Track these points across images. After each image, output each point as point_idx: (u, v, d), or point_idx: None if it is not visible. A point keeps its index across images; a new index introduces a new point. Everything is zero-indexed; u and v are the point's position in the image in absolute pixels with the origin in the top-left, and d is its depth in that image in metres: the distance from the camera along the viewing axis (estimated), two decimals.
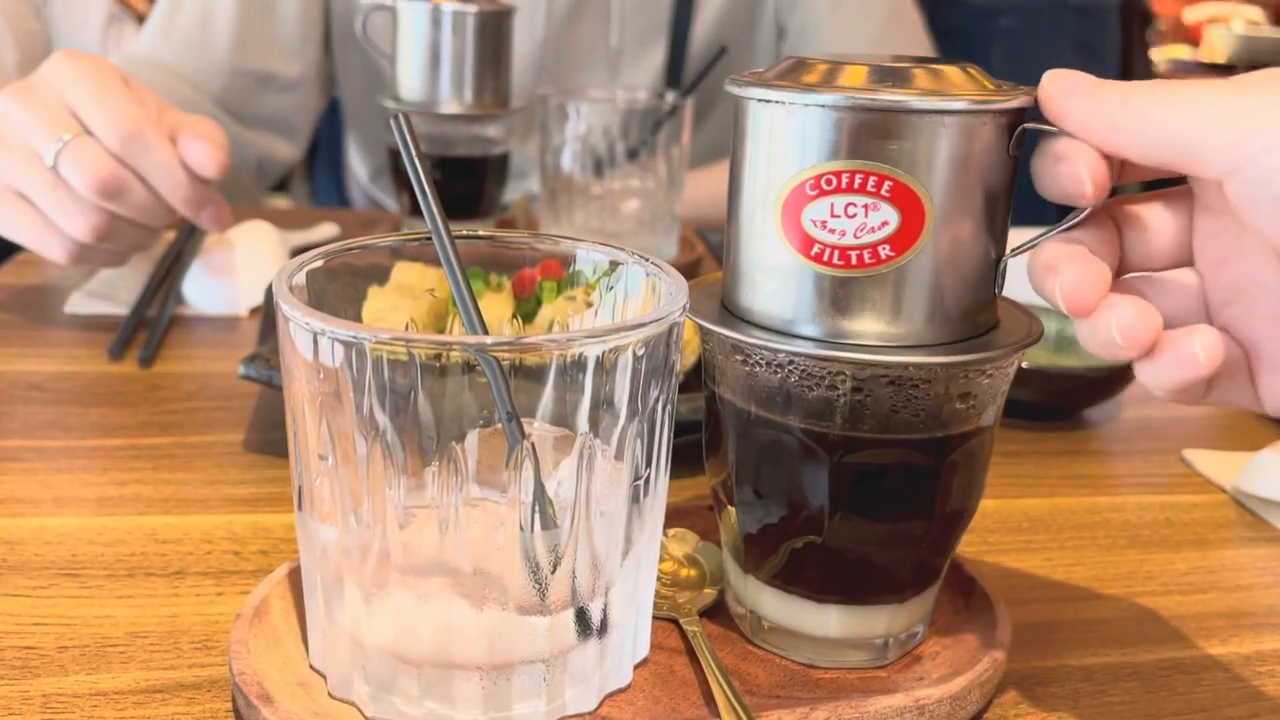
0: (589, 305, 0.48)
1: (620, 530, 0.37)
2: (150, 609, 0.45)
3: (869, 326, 0.37)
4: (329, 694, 0.38)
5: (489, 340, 0.34)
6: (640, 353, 0.35)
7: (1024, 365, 0.67)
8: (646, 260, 0.41)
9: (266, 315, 0.68)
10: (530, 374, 0.34)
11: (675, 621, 0.43)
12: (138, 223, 0.72)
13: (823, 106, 0.36)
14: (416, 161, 0.39)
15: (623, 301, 0.42)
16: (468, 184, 0.97)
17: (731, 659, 0.41)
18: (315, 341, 0.34)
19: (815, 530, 0.39)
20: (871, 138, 0.35)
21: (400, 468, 0.34)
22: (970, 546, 0.54)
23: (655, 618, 0.42)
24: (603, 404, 0.35)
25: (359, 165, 1.40)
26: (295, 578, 0.43)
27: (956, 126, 0.35)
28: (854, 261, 0.36)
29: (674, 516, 0.49)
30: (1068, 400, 0.70)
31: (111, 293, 0.81)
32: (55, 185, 0.68)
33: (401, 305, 0.54)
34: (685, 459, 0.46)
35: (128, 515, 0.52)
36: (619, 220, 0.92)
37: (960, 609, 0.45)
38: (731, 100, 0.40)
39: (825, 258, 0.36)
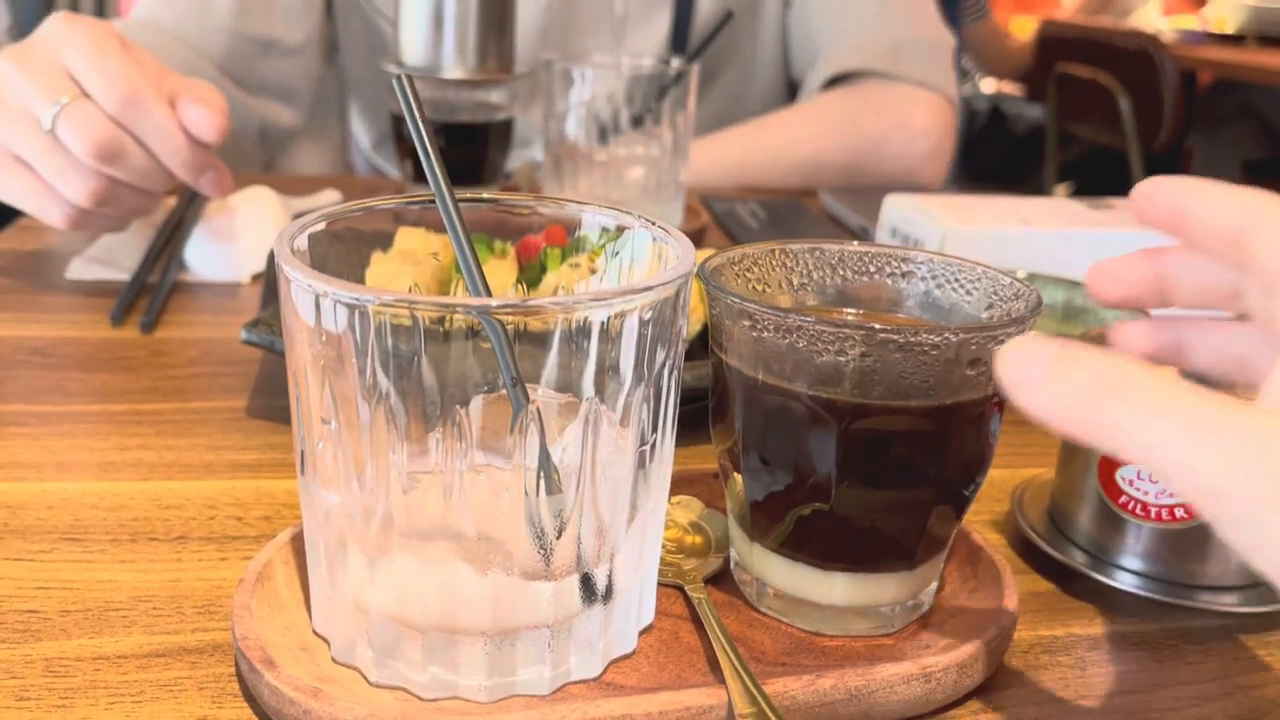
0: (593, 272, 0.47)
1: (626, 496, 0.37)
2: (153, 574, 0.44)
3: None
4: (332, 659, 0.38)
5: (493, 303, 0.33)
6: (647, 317, 0.34)
7: None
8: (653, 224, 0.40)
9: (268, 281, 0.67)
10: (535, 339, 0.34)
11: (680, 589, 0.43)
12: (137, 187, 0.71)
13: None
14: (420, 123, 0.38)
15: (628, 267, 0.41)
16: (470, 151, 0.96)
17: (737, 626, 0.41)
18: (318, 304, 0.33)
19: (823, 498, 0.39)
20: None
21: (404, 432, 0.33)
22: (978, 515, 0.53)
23: (660, 584, 0.42)
24: (609, 369, 0.34)
25: (361, 133, 1.39)
26: (298, 543, 0.42)
27: None
28: None
29: (678, 484, 0.48)
30: None
31: (113, 258, 0.81)
32: (53, 149, 0.67)
33: (405, 271, 0.53)
34: (689, 426, 0.46)
35: (130, 480, 0.52)
36: (624, 188, 0.91)
37: (968, 577, 0.44)
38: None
39: None
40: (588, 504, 0.35)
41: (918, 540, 0.40)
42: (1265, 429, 0.25)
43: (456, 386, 0.34)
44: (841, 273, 0.45)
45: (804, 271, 0.45)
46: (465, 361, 0.34)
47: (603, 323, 0.33)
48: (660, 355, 0.36)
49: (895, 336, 0.36)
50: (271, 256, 0.71)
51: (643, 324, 0.34)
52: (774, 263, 0.45)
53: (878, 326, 0.36)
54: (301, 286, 0.33)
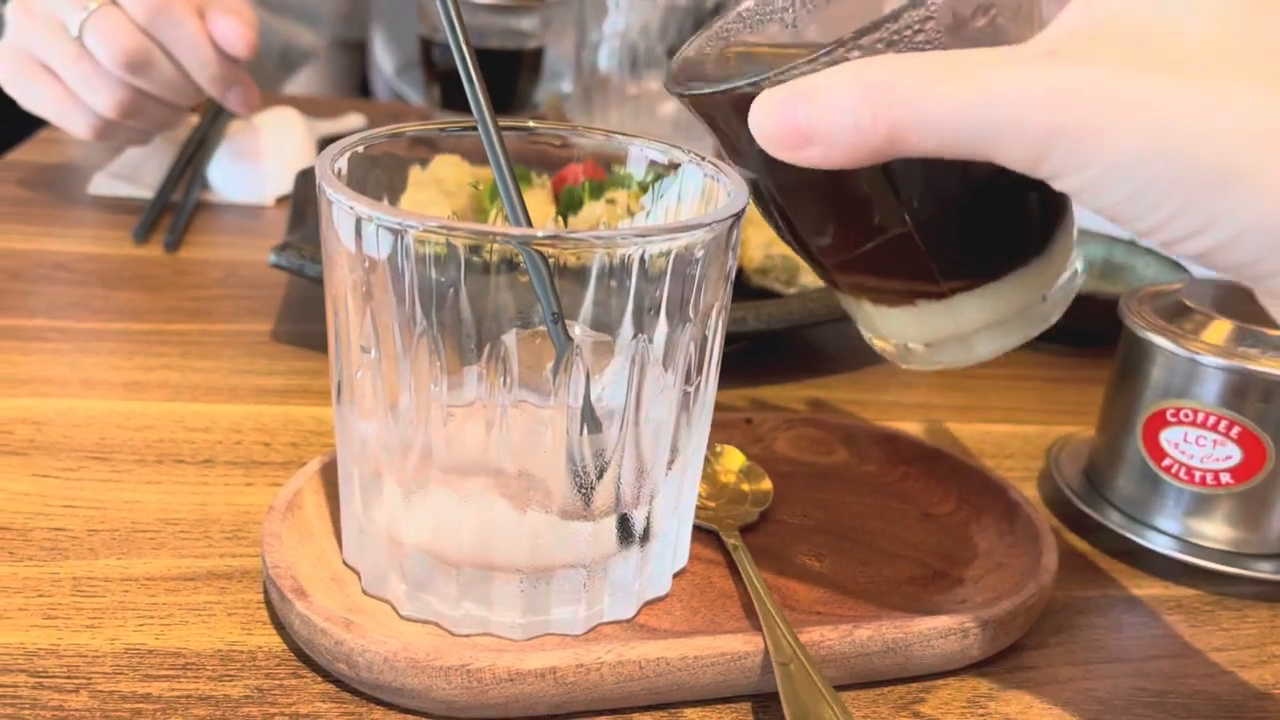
0: (632, 212, 0.46)
1: (667, 439, 0.36)
2: (180, 496, 0.44)
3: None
4: (363, 591, 0.38)
5: (538, 233, 0.32)
6: (698, 255, 0.33)
7: None
8: (704, 160, 0.39)
9: (295, 204, 0.66)
10: (576, 274, 0.33)
11: (715, 534, 0.42)
12: (163, 100, 0.70)
13: None
14: (464, 45, 0.37)
15: (676, 204, 0.40)
16: (500, 79, 0.94)
17: (770, 574, 0.41)
18: (358, 227, 0.32)
19: (898, 224, 0.35)
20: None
21: (445, 363, 0.33)
22: (1012, 472, 0.53)
23: (694, 527, 0.41)
24: (655, 309, 0.33)
25: (384, 58, 1.36)
26: (328, 472, 0.42)
27: None
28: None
29: (713, 430, 0.48)
30: (1112, 327, 0.68)
31: (135, 175, 0.79)
32: (80, 57, 0.66)
33: (440, 200, 0.52)
34: (725, 372, 0.45)
35: (155, 401, 0.51)
36: (655, 122, 0.89)
37: (1005, 533, 0.44)
38: None
39: None
40: (630, 445, 0.35)
41: (1029, 219, 0.35)
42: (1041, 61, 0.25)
43: (497, 319, 0.33)
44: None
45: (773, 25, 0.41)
46: (508, 293, 0.33)
47: (650, 259, 0.32)
48: (708, 296, 0.35)
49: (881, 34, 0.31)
50: (299, 179, 0.70)
51: (692, 262, 0.33)
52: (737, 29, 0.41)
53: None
54: (343, 209, 0.32)
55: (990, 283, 0.36)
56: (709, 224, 0.33)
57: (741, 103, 0.31)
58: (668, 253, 0.33)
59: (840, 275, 0.38)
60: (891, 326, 0.39)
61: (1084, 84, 0.25)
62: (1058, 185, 0.27)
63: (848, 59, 0.29)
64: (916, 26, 0.29)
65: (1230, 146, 0.25)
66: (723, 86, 0.33)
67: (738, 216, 0.34)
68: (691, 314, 0.34)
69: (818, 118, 0.28)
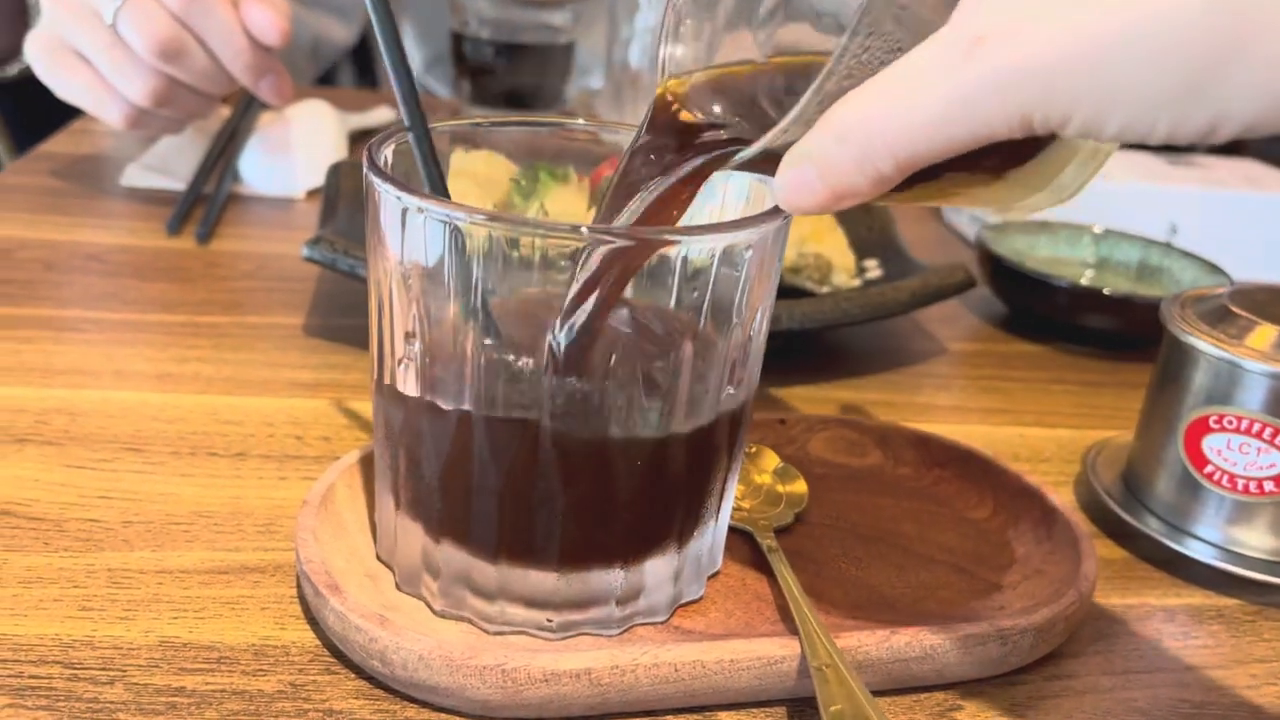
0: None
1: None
2: (213, 489, 0.44)
3: None
4: (396, 587, 0.37)
5: (582, 228, 0.32)
6: (747, 255, 0.33)
7: (1106, 293, 0.65)
8: None
9: (327, 198, 0.66)
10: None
11: (750, 535, 0.42)
12: (196, 89, 0.70)
13: None
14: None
15: (721, 203, 0.39)
16: (529, 74, 0.94)
17: (806, 578, 0.40)
18: (404, 217, 0.32)
19: None
20: None
21: (490, 353, 0.32)
22: (1047, 476, 0.52)
23: (729, 529, 0.41)
24: (701, 307, 0.33)
25: (413, 53, 1.36)
26: (361, 467, 0.42)
27: None
28: None
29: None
30: (1148, 331, 0.67)
31: (167, 166, 0.80)
32: (114, 45, 0.66)
33: (471, 193, 0.52)
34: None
35: (188, 393, 0.51)
36: None
37: (1042, 539, 0.43)
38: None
39: None
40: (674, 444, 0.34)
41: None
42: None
43: (546, 310, 0.32)
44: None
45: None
46: (556, 283, 0.33)
47: (701, 257, 0.32)
48: (754, 296, 0.34)
49: None
50: (330, 172, 0.70)
51: (740, 262, 0.33)
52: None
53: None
54: (390, 199, 0.32)
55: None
56: (761, 224, 0.33)
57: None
58: (716, 252, 0.32)
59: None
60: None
61: (1024, 66, 0.26)
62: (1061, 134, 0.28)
63: (817, 114, 0.29)
64: (859, 53, 0.29)
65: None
66: (707, 157, 0.33)
67: (787, 217, 0.34)
68: (735, 315, 0.34)
69: (831, 180, 0.29)
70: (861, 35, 0.28)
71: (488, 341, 0.33)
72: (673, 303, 0.33)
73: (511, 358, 0.33)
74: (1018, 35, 0.26)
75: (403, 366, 0.34)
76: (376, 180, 0.32)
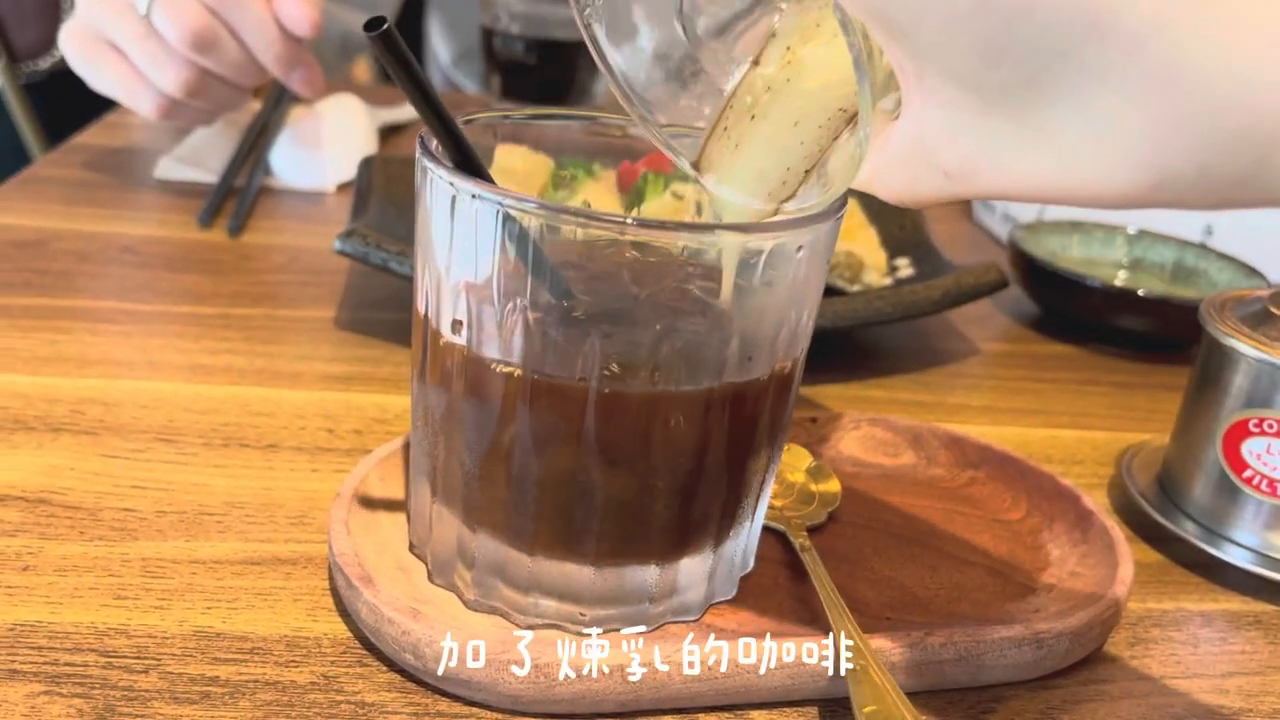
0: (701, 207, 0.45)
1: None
2: (245, 480, 0.44)
3: None
4: (428, 579, 0.37)
5: (628, 219, 0.31)
6: (799, 255, 0.33)
7: (1140, 294, 0.64)
8: None
9: (358, 191, 0.66)
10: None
11: (783, 535, 0.42)
12: (228, 80, 0.70)
13: None
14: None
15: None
16: (561, 70, 0.94)
17: (838, 578, 0.40)
18: (453, 203, 0.32)
19: None
20: None
21: (539, 344, 0.32)
22: (1081, 479, 0.51)
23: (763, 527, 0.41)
24: (748, 303, 0.33)
25: (441, 47, 1.36)
26: (393, 460, 0.42)
27: None
28: None
29: None
30: (1183, 332, 0.67)
31: (199, 159, 0.80)
32: (147, 35, 0.67)
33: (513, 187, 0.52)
34: None
35: (221, 385, 0.51)
36: None
37: (1078, 541, 0.43)
38: None
39: None
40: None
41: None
42: None
43: (595, 299, 0.32)
44: None
45: None
46: (609, 277, 0.32)
47: (753, 253, 0.32)
48: (802, 294, 0.34)
49: None
50: (362, 166, 0.70)
51: (789, 260, 0.33)
52: None
53: None
54: (442, 184, 0.32)
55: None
56: (815, 222, 0.32)
57: None
58: (765, 250, 0.32)
59: None
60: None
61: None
62: None
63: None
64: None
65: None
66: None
67: (838, 215, 0.34)
68: (786, 312, 0.34)
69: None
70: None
71: (557, 303, 0.32)
72: (725, 290, 0.32)
73: (562, 335, 0.32)
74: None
75: (448, 354, 0.34)
76: (428, 164, 0.33)
